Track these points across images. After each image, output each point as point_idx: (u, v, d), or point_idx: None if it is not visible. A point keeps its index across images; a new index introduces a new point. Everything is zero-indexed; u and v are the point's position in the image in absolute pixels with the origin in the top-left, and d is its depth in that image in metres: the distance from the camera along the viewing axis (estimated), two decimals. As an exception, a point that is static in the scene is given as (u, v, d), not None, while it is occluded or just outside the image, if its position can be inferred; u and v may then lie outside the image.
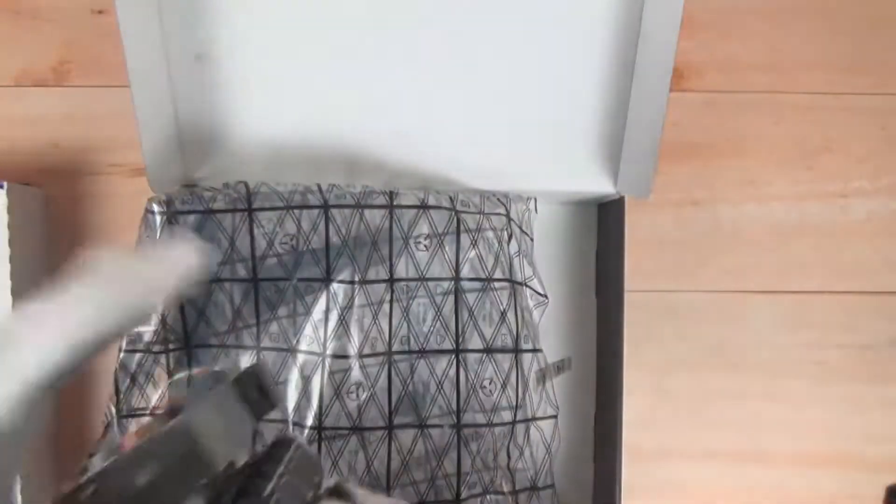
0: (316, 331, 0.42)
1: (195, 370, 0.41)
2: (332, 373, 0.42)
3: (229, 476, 0.20)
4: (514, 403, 0.44)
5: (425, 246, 0.43)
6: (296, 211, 0.42)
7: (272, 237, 0.42)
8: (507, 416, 0.43)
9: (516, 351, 0.44)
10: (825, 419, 0.51)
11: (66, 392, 0.43)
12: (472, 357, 0.43)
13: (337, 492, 0.21)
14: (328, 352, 0.42)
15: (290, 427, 0.42)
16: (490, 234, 0.44)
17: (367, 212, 0.42)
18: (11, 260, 0.44)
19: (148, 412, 0.40)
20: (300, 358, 0.42)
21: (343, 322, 0.42)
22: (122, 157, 0.49)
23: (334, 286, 0.42)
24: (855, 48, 0.51)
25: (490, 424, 0.43)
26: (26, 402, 0.16)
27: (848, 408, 0.51)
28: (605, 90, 0.46)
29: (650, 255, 0.51)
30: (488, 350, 0.43)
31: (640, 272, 0.50)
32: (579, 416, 0.50)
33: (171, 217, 0.41)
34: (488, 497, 0.43)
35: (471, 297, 0.43)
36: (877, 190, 0.51)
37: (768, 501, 0.51)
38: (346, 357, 0.42)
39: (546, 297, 0.46)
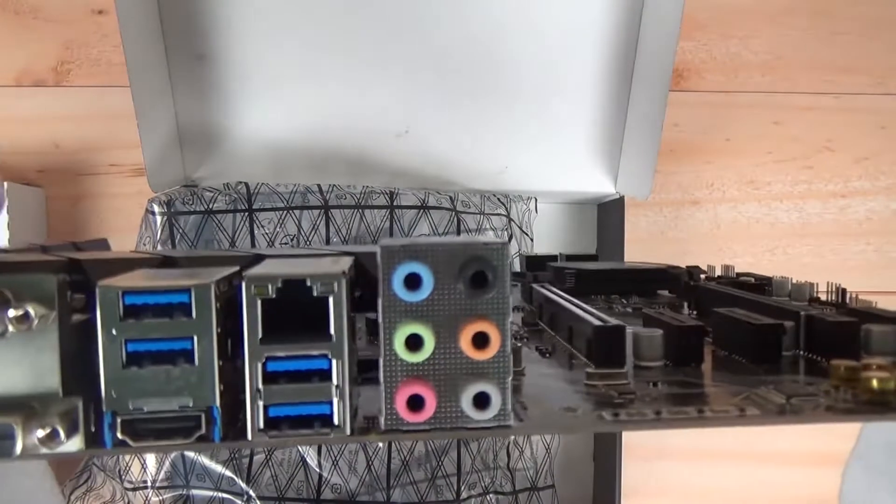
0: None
1: None
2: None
3: None
4: (515, 403, 0.44)
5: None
6: (296, 211, 0.42)
7: (273, 237, 0.42)
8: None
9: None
10: (825, 419, 0.51)
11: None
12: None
13: None
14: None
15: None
16: (490, 234, 0.44)
17: (367, 212, 0.42)
18: (11, 260, 0.44)
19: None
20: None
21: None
22: (122, 157, 0.49)
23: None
24: (855, 48, 0.51)
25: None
26: None
27: (848, 408, 0.51)
28: (605, 90, 0.46)
29: (650, 255, 0.51)
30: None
31: (640, 272, 0.50)
32: (579, 416, 0.50)
33: (172, 217, 0.41)
34: (488, 497, 0.43)
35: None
36: (877, 190, 0.51)
37: (768, 501, 0.51)
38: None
39: (546, 297, 0.46)
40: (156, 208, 0.41)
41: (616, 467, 0.44)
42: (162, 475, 0.39)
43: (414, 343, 0.14)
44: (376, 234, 0.42)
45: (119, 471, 0.40)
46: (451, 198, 0.44)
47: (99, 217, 0.49)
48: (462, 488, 0.42)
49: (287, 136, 0.46)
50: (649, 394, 0.18)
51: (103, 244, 0.24)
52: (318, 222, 0.42)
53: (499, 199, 0.45)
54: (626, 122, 0.45)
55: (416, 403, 0.14)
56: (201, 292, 0.14)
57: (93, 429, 0.15)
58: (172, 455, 0.39)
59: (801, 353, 0.22)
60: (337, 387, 0.14)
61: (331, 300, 0.14)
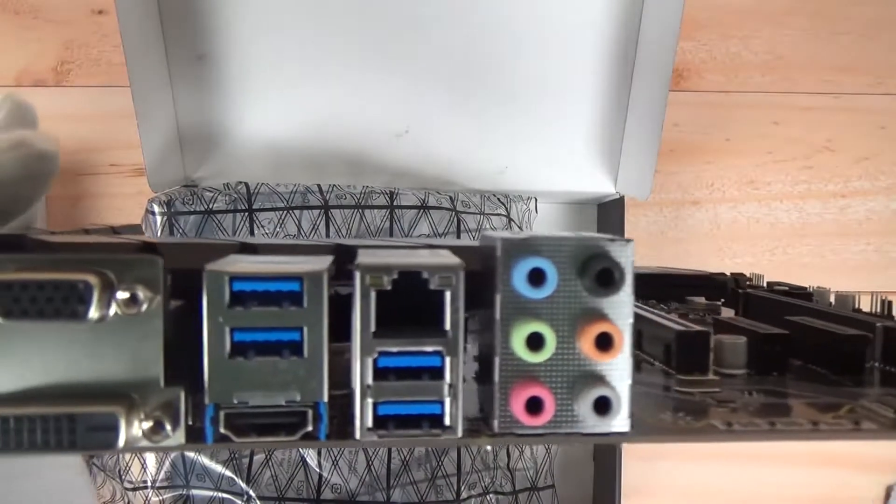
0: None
1: None
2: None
3: None
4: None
5: (425, 246, 0.43)
6: (296, 211, 0.42)
7: (273, 237, 0.42)
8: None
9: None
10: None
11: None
12: (472, 357, 0.43)
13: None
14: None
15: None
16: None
17: (367, 212, 0.42)
18: (11, 260, 0.43)
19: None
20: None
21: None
22: (122, 157, 0.49)
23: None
24: (855, 48, 0.51)
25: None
26: None
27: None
28: (605, 90, 0.46)
29: (650, 256, 0.51)
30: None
31: (640, 272, 0.50)
32: (579, 416, 0.50)
33: (172, 217, 0.41)
34: (488, 497, 0.43)
35: (471, 298, 0.43)
36: (877, 190, 0.51)
37: (768, 501, 0.51)
38: (346, 357, 0.42)
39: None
40: (156, 208, 0.41)
41: (616, 467, 0.44)
42: (162, 475, 0.39)
43: (535, 342, 0.14)
44: (376, 234, 0.42)
45: (119, 471, 0.40)
46: (451, 198, 0.44)
47: (99, 217, 0.49)
48: (462, 488, 0.42)
49: (287, 136, 0.46)
50: (748, 403, 0.17)
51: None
52: (318, 222, 0.42)
53: (499, 199, 0.45)
54: (626, 122, 0.45)
55: (535, 406, 0.14)
56: (314, 280, 0.13)
57: (190, 422, 0.14)
58: (172, 455, 0.39)
59: (878, 364, 0.21)
60: (450, 385, 0.14)
61: (447, 294, 0.14)
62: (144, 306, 0.13)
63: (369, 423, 0.14)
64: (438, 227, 0.43)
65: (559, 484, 0.46)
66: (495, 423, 0.14)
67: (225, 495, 0.39)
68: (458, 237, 0.43)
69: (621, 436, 0.14)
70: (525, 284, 0.14)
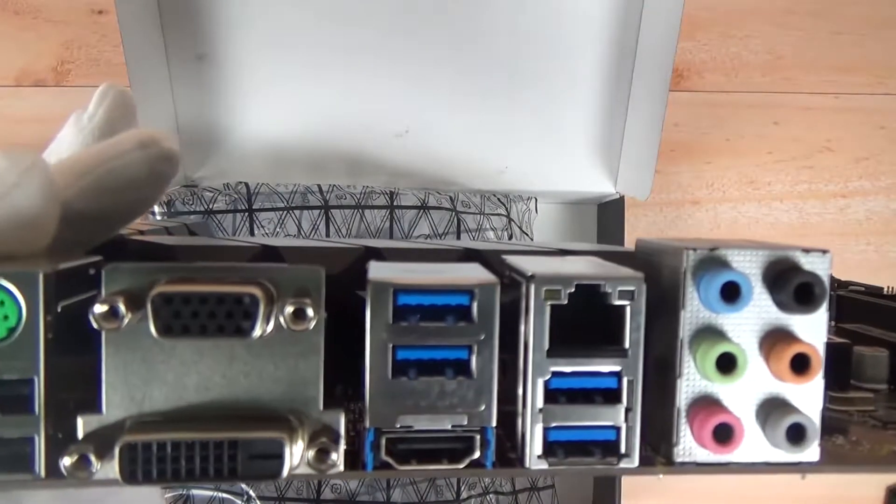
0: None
1: None
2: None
3: None
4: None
5: (425, 246, 0.43)
6: (296, 211, 0.42)
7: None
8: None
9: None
10: (825, 419, 0.51)
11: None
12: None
13: None
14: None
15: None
16: (490, 234, 0.44)
17: (367, 212, 0.42)
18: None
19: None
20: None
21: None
22: (122, 157, 0.49)
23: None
24: (855, 48, 0.51)
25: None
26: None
27: (848, 408, 0.51)
28: (605, 90, 0.46)
29: (650, 255, 0.51)
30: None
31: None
32: (579, 416, 0.50)
33: (172, 217, 0.41)
34: (488, 497, 0.43)
35: (471, 298, 0.43)
36: (877, 190, 0.51)
37: (768, 501, 0.51)
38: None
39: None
40: (156, 208, 0.41)
41: (616, 467, 0.44)
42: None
43: (726, 364, 0.12)
44: (376, 233, 0.42)
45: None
46: (451, 198, 0.44)
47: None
48: (462, 488, 0.42)
49: (287, 136, 0.46)
50: None
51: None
52: (318, 222, 0.42)
53: (499, 199, 0.45)
54: (626, 122, 0.45)
55: (724, 433, 0.12)
56: (486, 293, 0.12)
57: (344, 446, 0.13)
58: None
59: None
60: (628, 410, 0.13)
61: (628, 309, 0.12)
62: (313, 322, 0.12)
63: (539, 449, 0.13)
64: (438, 227, 0.43)
65: (559, 484, 0.46)
66: (675, 450, 0.13)
67: (225, 495, 0.39)
68: (458, 237, 0.43)
69: (810, 466, 0.13)
70: (718, 300, 0.12)
